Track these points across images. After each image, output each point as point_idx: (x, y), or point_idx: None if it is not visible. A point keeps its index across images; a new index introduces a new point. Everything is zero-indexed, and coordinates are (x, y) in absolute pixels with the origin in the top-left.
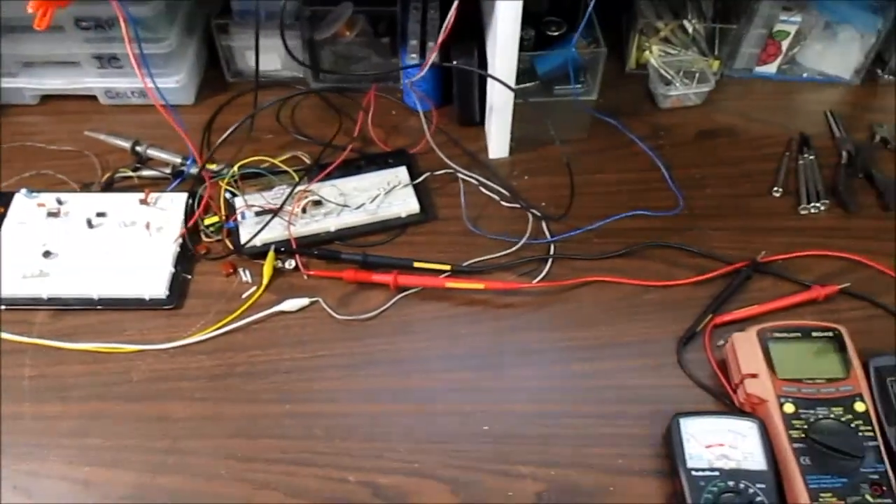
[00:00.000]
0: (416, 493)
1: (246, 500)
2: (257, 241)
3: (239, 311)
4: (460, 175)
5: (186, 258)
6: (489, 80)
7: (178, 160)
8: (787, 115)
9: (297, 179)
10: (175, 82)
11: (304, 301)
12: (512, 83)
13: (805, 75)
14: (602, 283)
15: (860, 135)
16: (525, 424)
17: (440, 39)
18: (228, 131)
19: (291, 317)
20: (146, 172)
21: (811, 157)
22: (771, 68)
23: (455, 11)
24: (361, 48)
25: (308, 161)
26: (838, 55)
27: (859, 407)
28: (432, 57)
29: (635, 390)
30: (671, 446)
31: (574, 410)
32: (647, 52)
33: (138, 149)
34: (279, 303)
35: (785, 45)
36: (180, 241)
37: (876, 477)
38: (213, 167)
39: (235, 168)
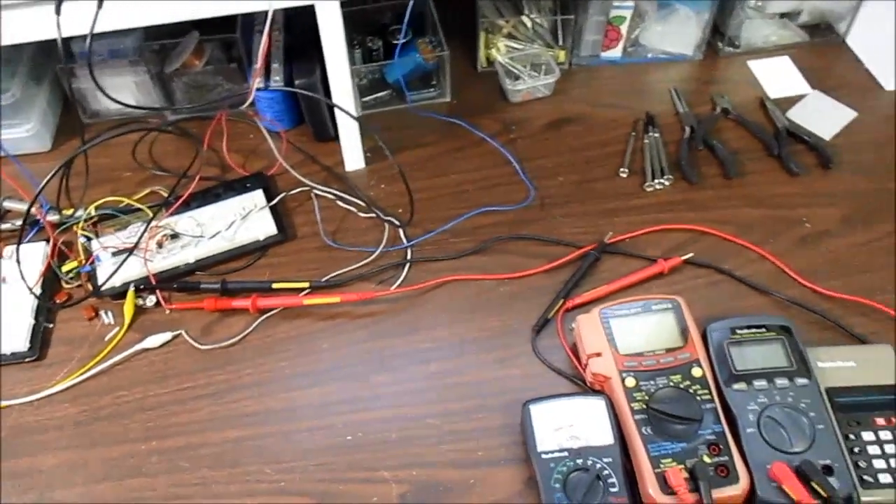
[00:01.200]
0: None
1: None
2: (116, 282)
3: (102, 355)
4: (315, 191)
5: (47, 307)
6: (332, 90)
7: (34, 209)
8: (634, 96)
9: (151, 215)
10: (26, 131)
11: (167, 336)
12: (350, 98)
13: (650, 56)
14: (457, 282)
15: (704, 108)
16: (387, 430)
17: (258, 65)
18: (48, 176)
19: (155, 353)
20: (3, 226)
21: (656, 135)
22: (616, 53)
23: (267, 36)
24: (213, 76)
25: (166, 193)
26: (677, 33)
27: (696, 372)
28: (255, 82)
29: (493, 383)
30: (524, 432)
31: (434, 410)
32: (493, 50)
33: None
34: (142, 341)
35: (624, 29)
36: (38, 290)
37: (713, 438)
38: (69, 213)
39: (91, 210)
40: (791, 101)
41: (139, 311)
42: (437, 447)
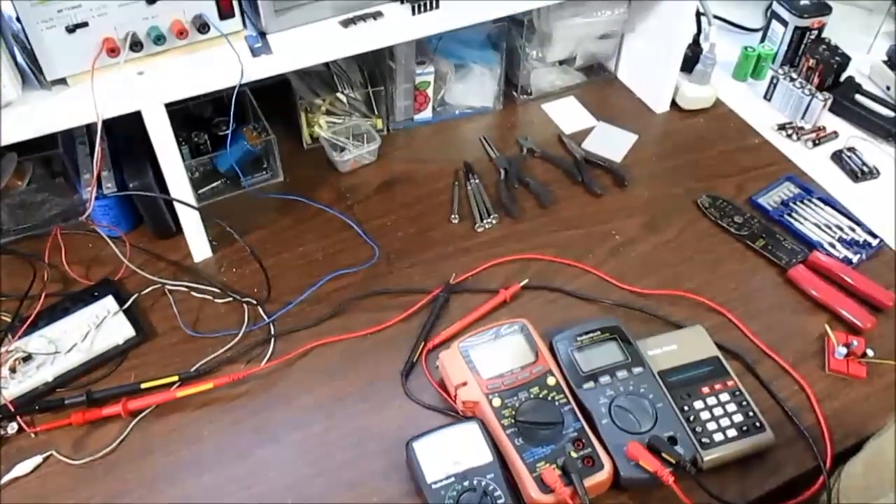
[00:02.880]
0: None
1: None
2: None
3: None
4: (168, 286)
5: None
6: (168, 186)
7: None
8: (450, 150)
9: None
10: None
11: (37, 459)
12: (188, 191)
13: (457, 112)
14: (322, 346)
15: (512, 151)
16: (283, 496)
17: (95, 174)
18: None
19: (28, 480)
20: None
21: (476, 181)
22: (427, 114)
23: (100, 147)
24: (38, 193)
25: (9, 318)
26: (477, 89)
27: (551, 381)
28: (93, 192)
29: (374, 430)
30: (411, 469)
31: (324, 467)
32: (316, 127)
33: None
34: (9, 471)
35: (430, 92)
36: None
37: (575, 434)
38: None
39: None
40: (583, 134)
41: (1, 441)
42: (333, 501)
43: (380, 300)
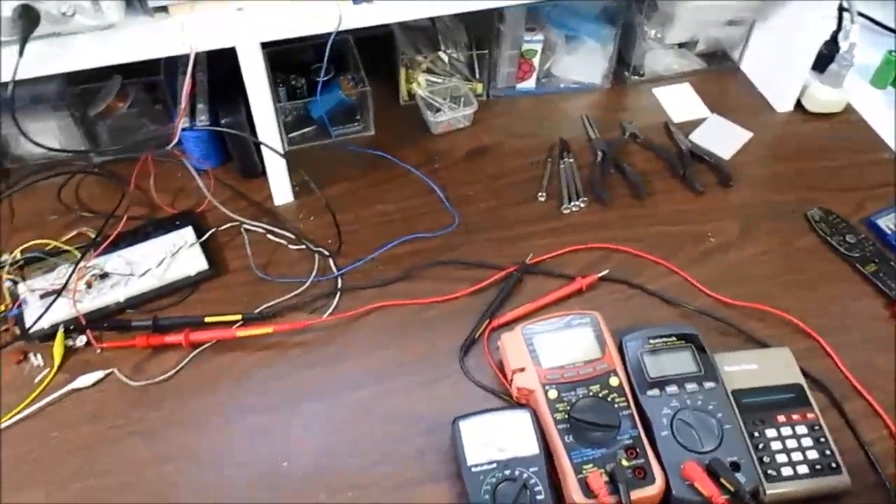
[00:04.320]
0: None
1: None
2: (44, 324)
3: (31, 397)
4: (245, 226)
5: None
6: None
7: None
8: (548, 125)
9: (78, 256)
10: None
11: (99, 374)
12: (276, 135)
13: (561, 86)
14: (386, 308)
15: (613, 133)
16: (321, 455)
17: (184, 104)
18: None
19: (87, 393)
20: None
21: (570, 161)
22: (530, 84)
23: (191, 77)
24: (137, 118)
25: (93, 234)
26: (586, 64)
27: (614, 381)
28: (179, 123)
29: (423, 403)
30: (454, 449)
31: (367, 433)
32: (414, 84)
33: None
34: (72, 381)
35: (536, 61)
36: None
37: (630, 442)
38: None
39: (17, 253)
40: (693, 125)
41: (69, 352)
42: (371, 470)
43: (451, 270)
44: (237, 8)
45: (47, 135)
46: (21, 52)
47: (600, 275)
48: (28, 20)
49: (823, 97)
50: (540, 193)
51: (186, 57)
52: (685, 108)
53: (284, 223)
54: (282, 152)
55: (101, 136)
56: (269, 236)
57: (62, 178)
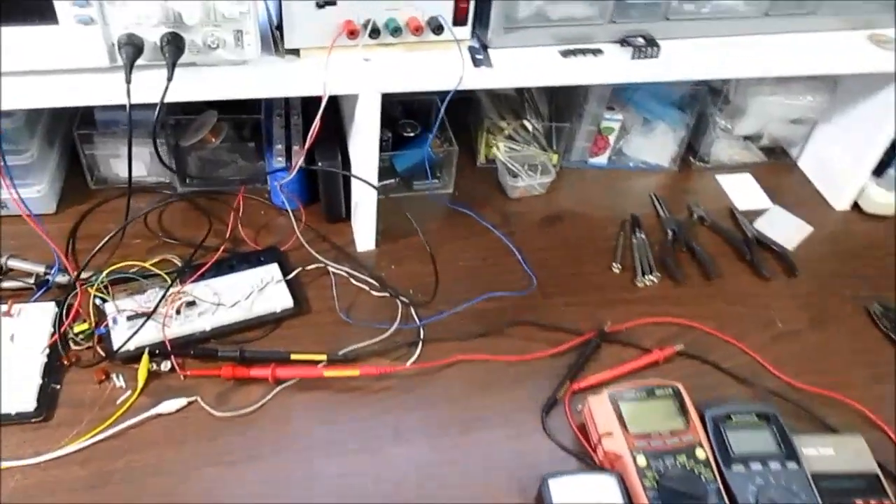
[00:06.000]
0: None
1: None
2: (130, 346)
3: (113, 418)
4: (331, 268)
5: (55, 368)
6: (353, 179)
7: (42, 269)
8: (619, 199)
9: (168, 282)
10: (36, 192)
11: (182, 401)
12: (374, 182)
13: (631, 164)
14: (467, 363)
15: (681, 214)
16: (398, 500)
17: (307, 145)
18: (105, 239)
19: (170, 418)
20: (7, 284)
21: (642, 237)
22: (602, 159)
23: (320, 121)
24: (227, 153)
25: (178, 263)
26: (657, 146)
27: (700, 454)
28: (300, 161)
29: (505, 459)
30: None
31: (445, 483)
32: (494, 148)
33: None
34: (156, 405)
35: (612, 139)
36: (48, 351)
37: None
38: (80, 275)
39: (104, 274)
40: (756, 213)
41: (152, 375)
42: None
43: (530, 330)
44: (364, 58)
45: (138, 160)
46: (170, 76)
47: (678, 348)
48: (175, 47)
49: (881, 200)
50: (615, 264)
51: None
52: (748, 196)
53: (367, 268)
54: (377, 190)
55: (189, 167)
56: (353, 280)
57: (147, 202)
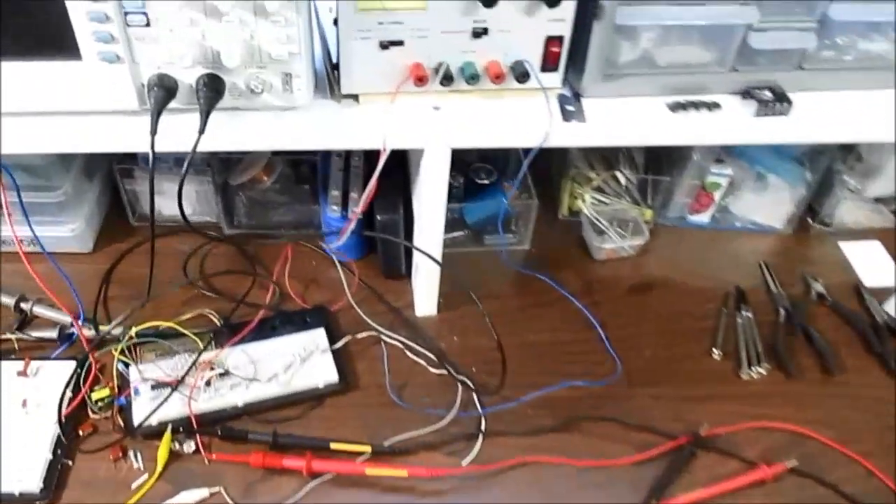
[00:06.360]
0: None
1: None
2: (153, 420)
3: None
4: (384, 337)
5: (68, 439)
6: (416, 230)
7: (68, 320)
8: (722, 266)
9: (201, 346)
10: (70, 231)
11: (204, 493)
12: (438, 255)
13: (737, 224)
14: (535, 465)
15: (796, 288)
16: None
17: (360, 207)
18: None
19: None
20: (29, 333)
21: (749, 315)
22: (704, 217)
23: (376, 182)
24: (279, 194)
25: (216, 319)
26: (770, 205)
27: None
28: (350, 227)
29: None
30: None
31: None
32: (579, 200)
33: (23, 305)
34: (174, 494)
35: (717, 195)
36: (61, 422)
37: None
38: (107, 328)
39: (132, 332)
40: (886, 292)
41: (173, 456)
42: None
43: (612, 428)
44: (434, 106)
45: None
46: (202, 129)
47: (789, 465)
48: (212, 92)
49: None
50: (715, 350)
51: None
52: (877, 269)
53: (426, 339)
54: (440, 262)
55: (237, 208)
56: (408, 353)
57: (188, 245)
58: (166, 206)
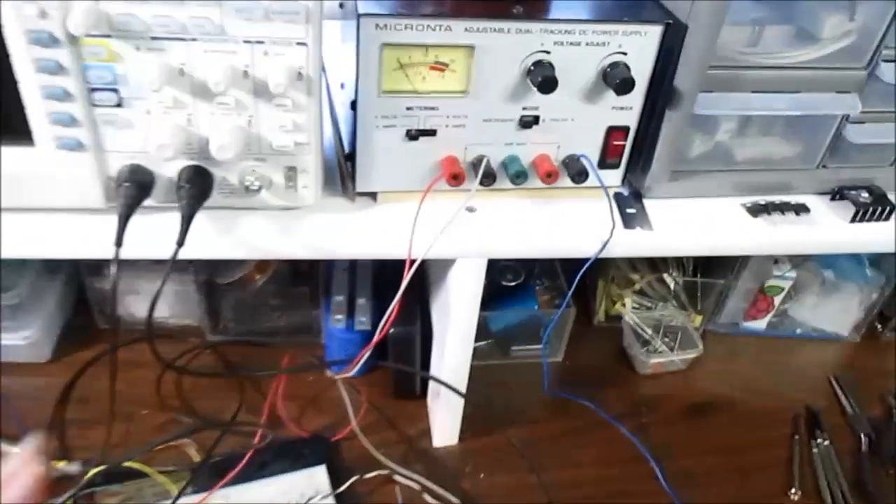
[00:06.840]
0: None
1: None
2: None
3: None
4: (397, 476)
5: None
6: (435, 349)
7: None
8: (786, 381)
9: (174, 493)
10: (23, 339)
11: None
12: (464, 373)
13: (798, 331)
14: None
15: (873, 407)
16: None
17: (377, 337)
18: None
19: None
20: None
21: (825, 443)
22: (760, 324)
23: (401, 297)
24: (273, 297)
25: (195, 452)
26: (836, 310)
27: None
28: (362, 359)
29: None
30: None
31: None
32: (619, 304)
33: None
34: None
35: (777, 300)
36: None
37: None
38: (62, 465)
39: (89, 475)
40: None
41: None
42: None
43: None
44: (468, 208)
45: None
46: (181, 241)
47: None
48: (197, 190)
49: None
50: (792, 490)
51: None
52: None
53: (446, 477)
54: (463, 394)
55: (224, 311)
56: (427, 496)
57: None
58: (140, 308)
